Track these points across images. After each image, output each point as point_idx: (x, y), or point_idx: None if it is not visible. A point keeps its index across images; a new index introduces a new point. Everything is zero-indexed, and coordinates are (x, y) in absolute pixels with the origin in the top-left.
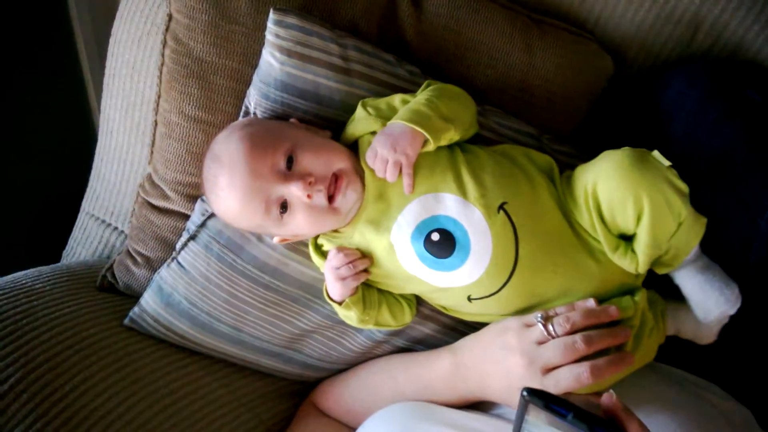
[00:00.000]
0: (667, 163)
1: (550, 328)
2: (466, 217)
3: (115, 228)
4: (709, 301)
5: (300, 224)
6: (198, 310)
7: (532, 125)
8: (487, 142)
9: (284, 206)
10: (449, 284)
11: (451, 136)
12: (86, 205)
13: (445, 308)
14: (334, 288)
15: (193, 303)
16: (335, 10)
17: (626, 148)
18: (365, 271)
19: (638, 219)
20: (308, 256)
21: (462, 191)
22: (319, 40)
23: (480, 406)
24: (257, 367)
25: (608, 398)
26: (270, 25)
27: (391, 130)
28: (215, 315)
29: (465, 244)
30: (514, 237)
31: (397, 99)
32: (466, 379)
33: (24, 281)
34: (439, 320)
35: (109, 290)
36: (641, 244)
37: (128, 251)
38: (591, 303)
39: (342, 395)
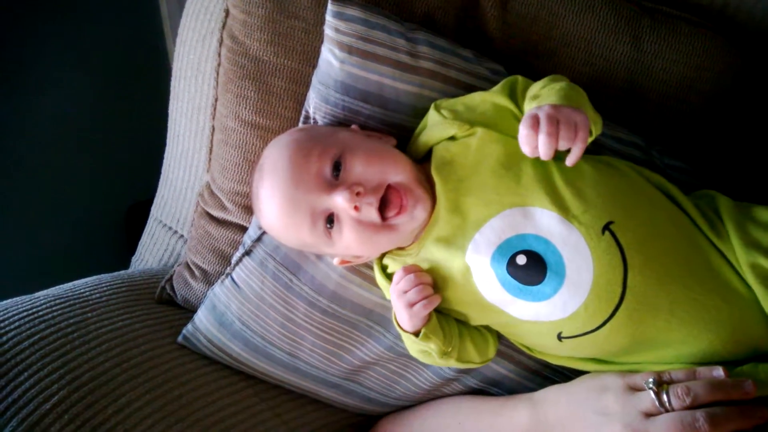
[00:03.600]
0: None
1: (664, 398)
2: (561, 237)
3: (181, 236)
4: None
5: (348, 243)
6: (251, 332)
7: (639, 135)
8: None
9: (331, 220)
10: (536, 317)
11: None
12: (155, 211)
13: (528, 348)
14: (403, 316)
15: (246, 324)
16: (407, 2)
17: None
18: (438, 293)
19: None
20: (370, 278)
21: (558, 206)
22: (384, 34)
23: None
24: (315, 397)
25: None
26: (329, 18)
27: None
28: (269, 339)
29: (559, 270)
30: (623, 265)
31: (477, 98)
32: None
33: (82, 290)
34: (518, 360)
35: (168, 303)
36: None
37: (187, 263)
38: (719, 372)
39: None
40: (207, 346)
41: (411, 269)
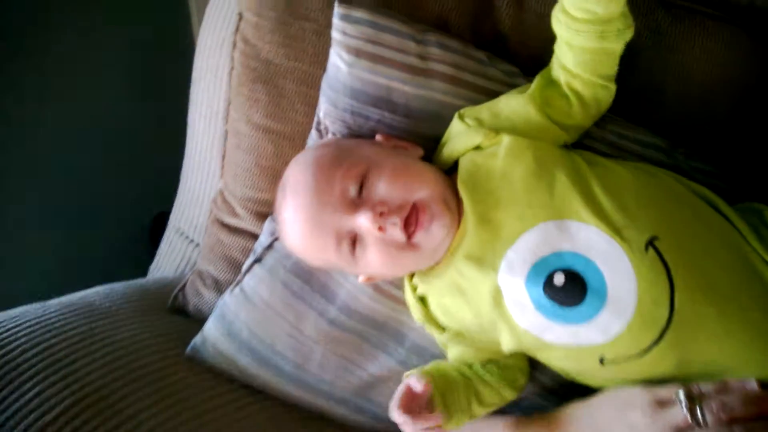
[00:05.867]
0: None
1: (698, 414)
2: (601, 254)
3: (197, 244)
4: None
5: (372, 263)
6: (259, 341)
7: (660, 136)
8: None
9: (355, 241)
10: (576, 341)
11: None
12: (174, 219)
13: (569, 373)
14: None
15: (254, 333)
16: (420, 3)
17: None
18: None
19: None
20: (382, 291)
21: (597, 219)
22: (392, 36)
23: None
24: (325, 415)
25: None
26: (335, 20)
27: None
28: (278, 350)
29: (600, 290)
30: (669, 284)
31: (501, 102)
32: None
33: (92, 299)
34: (535, 378)
35: (181, 312)
36: None
37: (199, 272)
38: (753, 385)
39: None
40: (215, 357)
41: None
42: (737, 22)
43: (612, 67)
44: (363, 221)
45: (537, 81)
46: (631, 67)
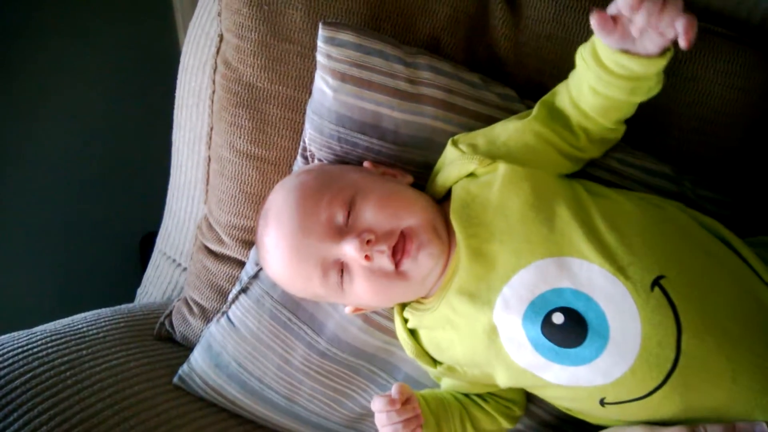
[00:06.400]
0: None
1: None
2: (604, 293)
3: (185, 269)
4: None
5: (360, 293)
6: (248, 374)
7: (668, 163)
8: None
9: (342, 270)
10: (575, 382)
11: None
12: (160, 243)
13: (569, 410)
14: None
15: (242, 366)
16: (411, 23)
17: None
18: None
19: None
20: (372, 322)
21: (600, 256)
22: (380, 59)
23: None
24: None
25: None
26: (320, 43)
27: None
28: (266, 382)
29: (601, 330)
30: (676, 326)
31: (498, 128)
32: None
33: (79, 326)
34: (535, 414)
35: (168, 339)
36: None
37: (185, 299)
38: (763, 428)
39: None
40: (203, 387)
41: (398, 404)
42: (749, 42)
43: (628, 114)
44: (349, 249)
45: (539, 108)
46: None
